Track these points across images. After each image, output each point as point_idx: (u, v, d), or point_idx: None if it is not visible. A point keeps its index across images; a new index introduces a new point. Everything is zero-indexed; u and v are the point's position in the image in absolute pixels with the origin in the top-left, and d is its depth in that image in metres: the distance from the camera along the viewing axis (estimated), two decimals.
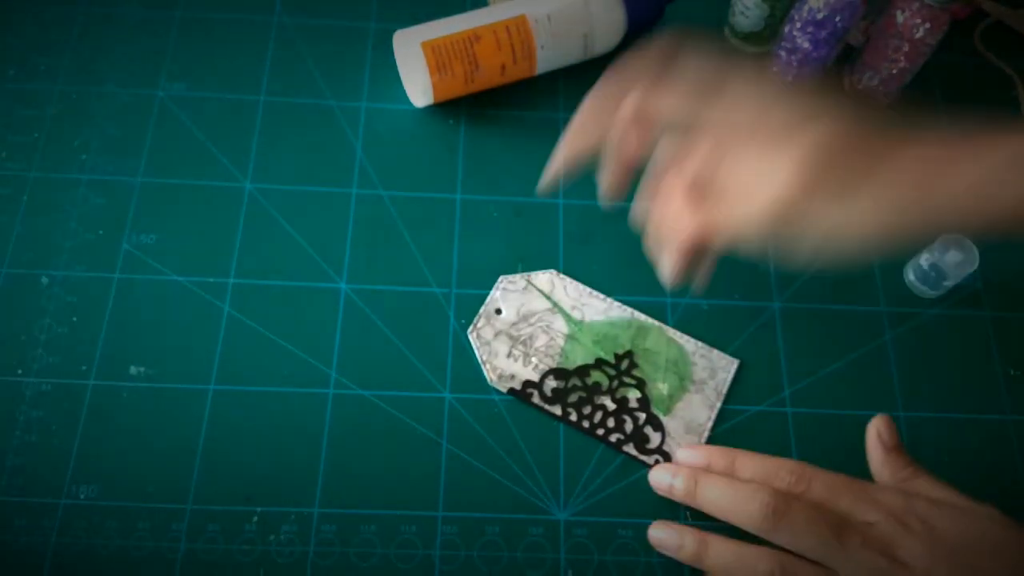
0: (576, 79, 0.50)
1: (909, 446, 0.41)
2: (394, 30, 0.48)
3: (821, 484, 0.35)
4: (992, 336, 0.44)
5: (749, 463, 0.37)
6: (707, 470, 0.38)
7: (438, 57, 0.45)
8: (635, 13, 0.49)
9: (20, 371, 0.41)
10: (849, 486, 0.35)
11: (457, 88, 0.47)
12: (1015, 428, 0.42)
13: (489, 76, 0.47)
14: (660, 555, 0.38)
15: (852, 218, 0.32)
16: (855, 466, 0.41)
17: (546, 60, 0.48)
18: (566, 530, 0.39)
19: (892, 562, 0.32)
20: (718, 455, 0.39)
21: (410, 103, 0.49)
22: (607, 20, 0.48)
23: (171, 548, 0.38)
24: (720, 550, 0.35)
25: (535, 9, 0.46)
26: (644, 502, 0.39)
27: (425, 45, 0.45)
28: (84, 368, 0.41)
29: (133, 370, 0.41)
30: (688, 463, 0.39)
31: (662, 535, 0.38)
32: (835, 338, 0.44)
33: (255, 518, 0.38)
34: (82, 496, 0.38)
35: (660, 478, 0.39)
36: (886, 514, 0.33)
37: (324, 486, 0.39)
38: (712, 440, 0.41)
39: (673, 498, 0.38)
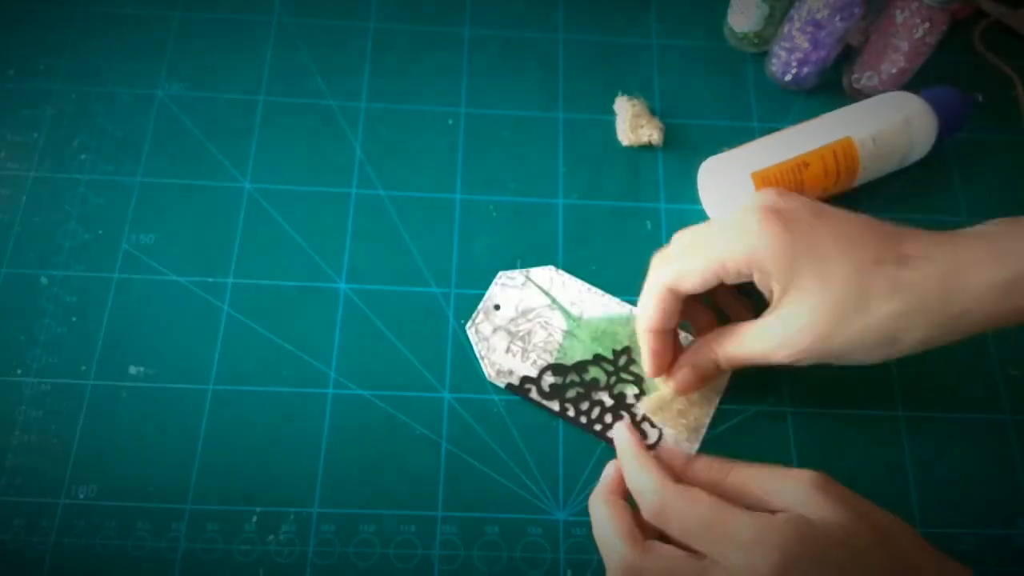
0: (575, 82, 0.50)
1: (909, 446, 0.42)
2: (394, 30, 0.49)
3: (679, 525, 0.32)
4: (992, 336, 0.44)
5: (629, 472, 0.35)
6: (620, 456, 0.37)
7: (767, 185, 0.43)
8: (946, 125, 0.46)
9: (19, 371, 0.41)
10: (709, 525, 0.32)
11: None
12: (1015, 428, 0.42)
13: (812, 196, 0.42)
14: None
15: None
16: (856, 467, 0.41)
17: (866, 176, 0.46)
18: (565, 530, 0.39)
19: None
20: (621, 449, 0.37)
21: (410, 102, 0.49)
22: (924, 135, 0.46)
23: (170, 548, 0.38)
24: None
25: (859, 131, 0.44)
26: None
27: (756, 175, 0.43)
28: (83, 368, 0.41)
29: (132, 370, 0.41)
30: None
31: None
32: None
33: (254, 518, 0.38)
34: (81, 496, 0.38)
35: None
36: (746, 560, 0.31)
37: (323, 486, 0.39)
38: (711, 440, 0.41)
39: None
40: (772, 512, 0.32)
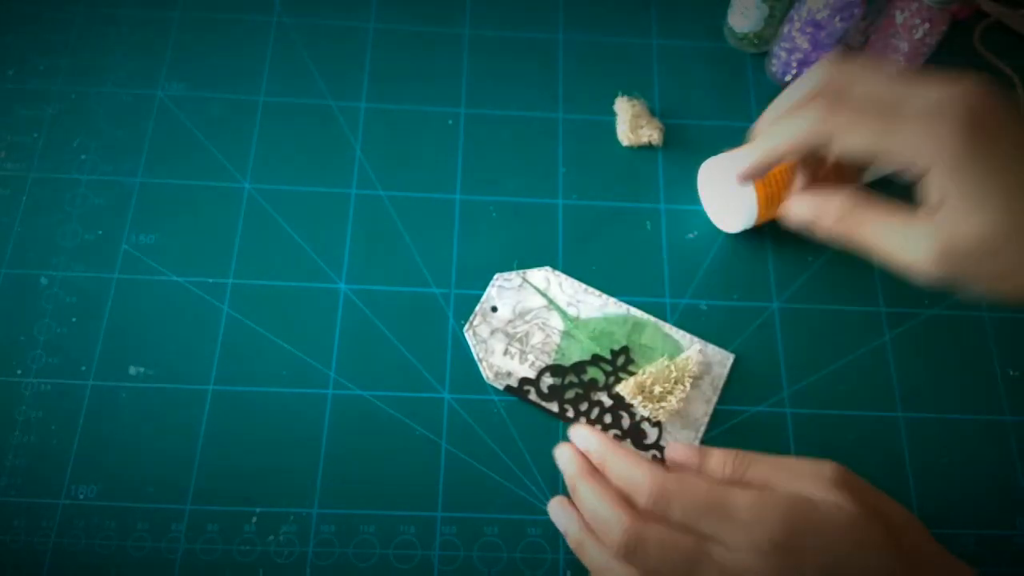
0: (575, 82, 0.50)
1: (909, 446, 0.42)
2: (394, 30, 0.49)
3: (680, 506, 0.33)
4: (991, 336, 0.44)
5: (616, 466, 0.35)
6: (598, 454, 0.36)
7: (766, 185, 0.42)
8: None
9: (20, 371, 0.41)
10: (709, 506, 0.32)
11: (781, 198, 0.42)
12: (1015, 428, 0.42)
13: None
14: None
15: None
16: (856, 467, 0.41)
17: (870, 172, 0.44)
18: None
19: None
20: (598, 445, 0.36)
21: (410, 103, 0.49)
22: None
23: (170, 548, 0.38)
24: (592, 554, 0.34)
25: None
26: None
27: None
28: (83, 368, 0.41)
29: (132, 370, 0.41)
30: (579, 447, 0.37)
31: (556, 513, 0.37)
32: (834, 338, 0.44)
33: (254, 518, 0.38)
34: (81, 496, 0.38)
35: (559, 456, 0.37)
36: (746, 537, 0.31)
37: (323, 486, 0.39)
38: (711, 441, 0.41)
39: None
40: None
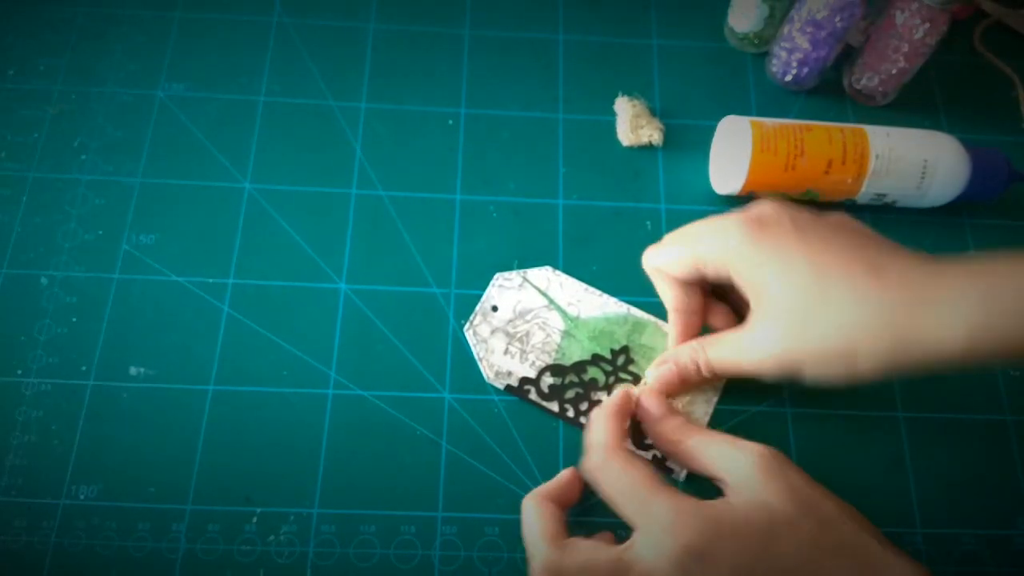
0: (575, 82, 0.50)
1: (909, 446, 0.42)
2: (394, 30, 0.49)
3: (607, 488, 0.35)
4: None
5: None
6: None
7: (764, 136, 0.43)
8: (980, 169, 0.45)
9: (20, 371, 0.41)
10: (630, 496, 0.34)
11: (774, 174, 0.44)
12: (1015, 428, 0.42)
13: (813, 167, 0.43)
14: None
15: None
16: (856, 467, 0.41)
17: (877, 176, 0.44)
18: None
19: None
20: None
21: (410, 103, 0.49)
22: (949, 160, 0.44)
23: (171, 548, 0.38)
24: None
25: (876, 129, 0.45)
26: None
27: (755, 123, 0.44)
28: (84, 368, 0.41)
29: (133, 370, 0.41)
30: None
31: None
32: None
33: (255, 518, 0.38)
34: (82, 496, 0.38)
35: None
36: (657, 548, 0.32)
37: (324, 486, 0.39)
38: None
39: None
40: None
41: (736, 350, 0.37)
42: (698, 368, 0.39)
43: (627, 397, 0.39)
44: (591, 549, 0.33)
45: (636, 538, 0.33)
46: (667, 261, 0.39)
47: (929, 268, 0.33)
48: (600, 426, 0.36)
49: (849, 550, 0.32)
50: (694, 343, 0.39)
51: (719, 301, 0.41)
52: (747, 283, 0.36)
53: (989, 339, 0.31)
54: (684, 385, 0.40)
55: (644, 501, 0.33)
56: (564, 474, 0.38)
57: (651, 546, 0.32)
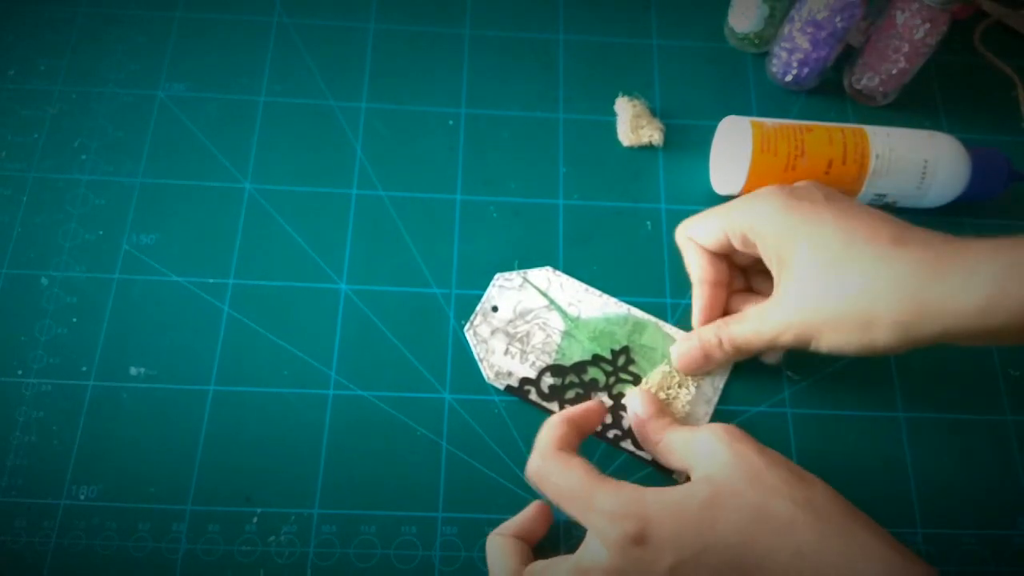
0: (575, 82, 0.50)
1: (909, 446, 0.42)
2: (394, 30, 0.48)
3: (551, 491, 0.34)
4: None
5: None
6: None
7: (764, 136, 0.44)
8: (980, 169, 0.45)
9: (20, 372, 0.41)
10: (572, 496, 0.33)
11: (775, 174, 0.44)
12: (1015, 428, 0.42)
13: (813, 167, 0.43)
14: None
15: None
16: (856, 467, 0.41)
17: (877, 176, 0.44)
18: (565, 531, 0.39)
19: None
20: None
21: (410, 103, 0.49)
22: (949, 160, 0.44)
23: (171, 549, 0.38)
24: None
25: (877, 129, 0.45)
26: None
27: (755, 123, 0.44)
28: (84, 369, 0.41)
29: (133, 371, 0.41)
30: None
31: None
32: None
33: (255, 519, 0.38)
34: (82, 497, 0.38)
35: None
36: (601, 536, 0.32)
37: (324, 487, 0.39)
38: None
39: None
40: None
41: (758, 321, 0.38)
42: (720, 343, 0.39)
43: (590, 408, 0.37)
44: (547, 566, 0.33)
45: (587, 537, 0.32)
46: (699, 230, 0.40)
47: (950, 239, 0.34)
48: (545, 431, 0.35)
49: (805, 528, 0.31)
50: (718, 320, 0.40)
51: (744, 291, 0.43)
52: (773, 252, 0.37)
53: (1005, 307, 0.31)
54: (707, 362, 0.40)
55: (586, 497, 0.32)
56: (530, 508, 0.38)
57: (600, 541, 0.31)
